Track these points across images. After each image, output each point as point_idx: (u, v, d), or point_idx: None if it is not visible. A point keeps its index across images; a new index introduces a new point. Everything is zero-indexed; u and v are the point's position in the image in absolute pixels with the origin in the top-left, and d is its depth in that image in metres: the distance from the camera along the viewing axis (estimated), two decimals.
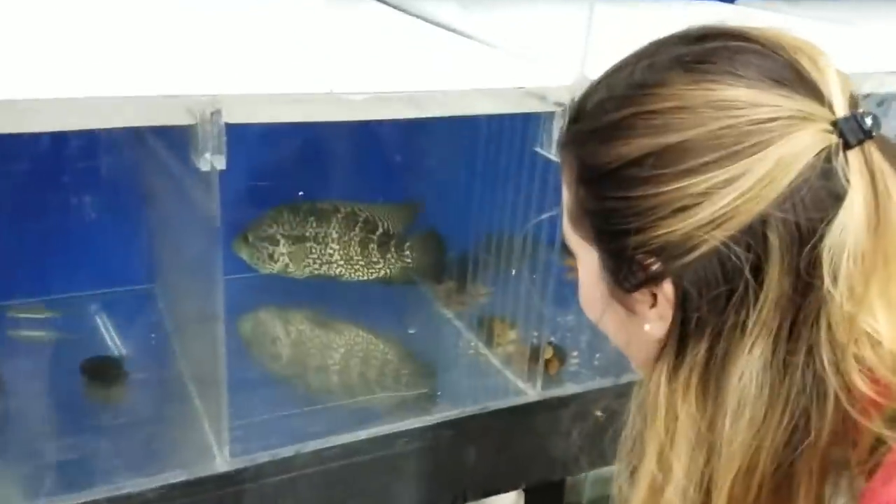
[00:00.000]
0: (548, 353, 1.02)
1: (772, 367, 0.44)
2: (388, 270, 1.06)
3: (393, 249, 1.04)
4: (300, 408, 0.95)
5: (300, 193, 1.03)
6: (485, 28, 1.02)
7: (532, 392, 1.01)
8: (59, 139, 0.98)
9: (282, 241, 1.05)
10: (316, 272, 1.08)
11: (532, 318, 1.04)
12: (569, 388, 1.03)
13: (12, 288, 1.06)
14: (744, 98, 0.43)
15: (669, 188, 0.44)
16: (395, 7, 1.17)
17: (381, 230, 1.04)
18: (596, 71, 0.86)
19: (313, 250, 1.05)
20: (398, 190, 1.28)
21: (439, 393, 1.00)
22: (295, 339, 1.11)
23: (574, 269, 1.46)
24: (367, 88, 0.76)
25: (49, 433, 0.86)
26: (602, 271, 0.51)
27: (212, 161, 0.69)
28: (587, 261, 0.52)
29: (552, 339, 1.15)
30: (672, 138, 0.44)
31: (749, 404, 0.45)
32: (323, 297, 1.13)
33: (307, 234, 1.04)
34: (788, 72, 0.45)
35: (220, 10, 1.03)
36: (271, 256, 1.06)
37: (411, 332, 1.10)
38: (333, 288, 1.12)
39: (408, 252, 1.05)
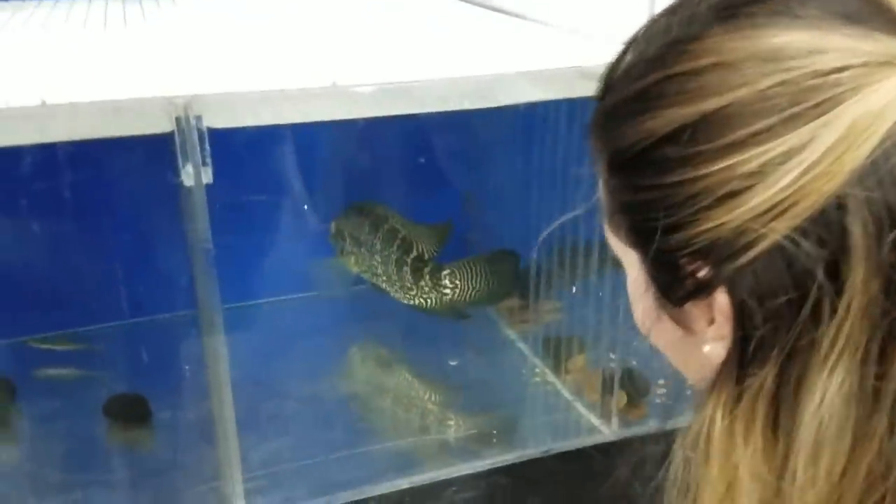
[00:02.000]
0: (621, 399, 0.86)
1: (857, 396, 0.34)
2: (422, 300, 0.92)
3: (427, 277, 0.90)
4: (337, 452, 0.83)
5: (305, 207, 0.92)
6: (539, 5, 0.88)
7: (607, 430, 0.86)
8: (85, 153, 0.91)
9: (348, 239, 0.94)
10: (373, 281, 0.96)
11: (605, 339, 0.89)
12: (653, 426, 0.87)
13: (48, 319, 1.01)
14: (802, 44, 0.33)
15: (712, 169, 0.34)
16: None
17: (414, 253, 0.90)
18: None
19: (365, 258, 0.94)
20: (453, 196, 1.16)
21: (495, 432, 0.86)
22: (360, 372, 1.00)
23: None
24: (378, 80, 0.63)
25: (57, 484, 0.78)
26: (647, 280, 0.40)
27: (195, 174, 0.59)
28: (631, 268, 0.42)
29: (632, 364, 0.99)
30: (711, 104, 0.34)
31: (829, 444, 0.35)
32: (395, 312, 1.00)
33: (362, 238, 0.93)
34: (864, 3, 0.34)
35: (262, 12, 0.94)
36: (342, 251, 0.96)
37: (453, 363, 0.96)
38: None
39: (447, 281, 0.91)
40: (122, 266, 1.03)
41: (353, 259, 0.95)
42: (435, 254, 0.91)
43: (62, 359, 0.97)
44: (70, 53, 0.70)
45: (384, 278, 0.93)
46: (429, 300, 0.91)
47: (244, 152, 0.94)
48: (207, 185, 0.60)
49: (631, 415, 0.87)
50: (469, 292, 0.92)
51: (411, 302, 0.92)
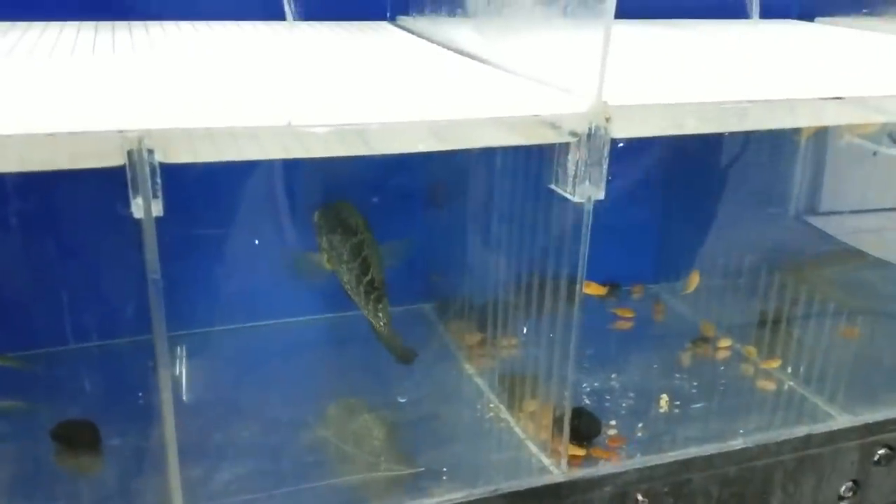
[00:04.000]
0: (573, 450, 0.87)
1: None
2: (369, 319, 0.93)
3: (372, 302, 0.91)
4: (285, 486, 0.83)
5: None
6: (500, 52, 0.90)
7: (556, 471, 0.86)
8: (40, 176, 0.91)
9: (324, 238, 0.95)
10: (342, 285, 0.96)
11: (557, 378, 0.89)
12: (603, 467, 0.87)
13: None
14: None
15: None
16: (414, 34, 1.07)
17: (370, 276, 0.91)
18: (614, 97, 0.73)
19: (335, 261, 0.94)
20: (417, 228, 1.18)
21: (445, 469, 0.86)
22: (317, 404, 1.00)
23: (625, 318, 1.26)
24: (334, 121, 0.64)
25: None
26: None
27: (144, 208, 0.60)
28: None
29: (584, 403, 1.00)
30: None
31: None
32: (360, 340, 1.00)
33: (334, 242, 0.94)
34: None
35: (219, 48, 0.95)
36: (319, 245, 0.96)
37: (401, 400, 0.97)
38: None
39: (380, 314, 0.92)
40: (78, 289, 1.02)
41: (326, 257, 0.95)
42: (385, 285, 0.92)
43: (10, 385, 0.96)
44: (31, 82, 0.70)
45: (349, 287, 0.94)
46: (372, 323, 0.92)
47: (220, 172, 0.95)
48: (157, 218, 0.61)
49: (586, 458, 0.88)
50: (388, 335, 0.93)
51: (367, 317, 0.93)
